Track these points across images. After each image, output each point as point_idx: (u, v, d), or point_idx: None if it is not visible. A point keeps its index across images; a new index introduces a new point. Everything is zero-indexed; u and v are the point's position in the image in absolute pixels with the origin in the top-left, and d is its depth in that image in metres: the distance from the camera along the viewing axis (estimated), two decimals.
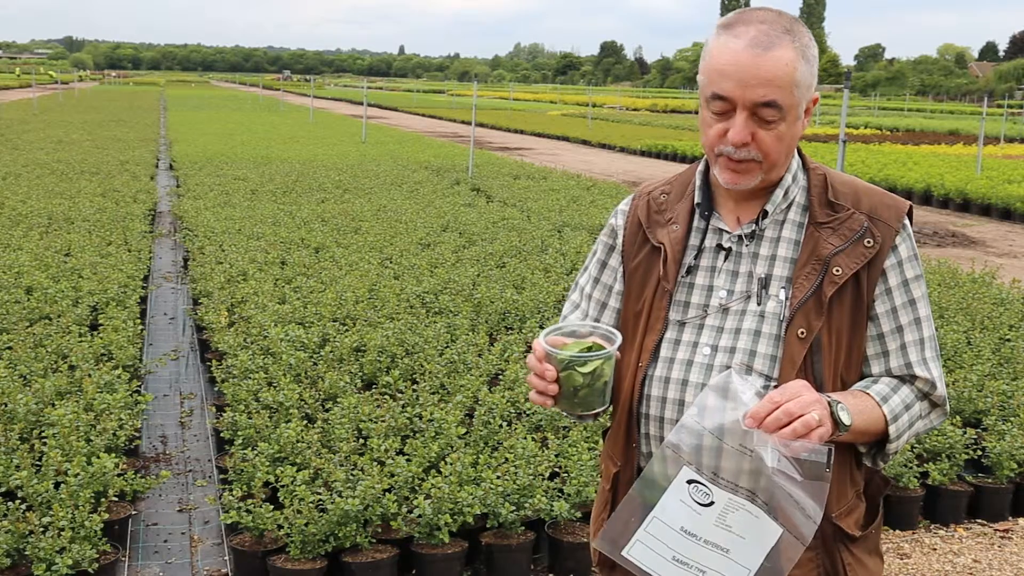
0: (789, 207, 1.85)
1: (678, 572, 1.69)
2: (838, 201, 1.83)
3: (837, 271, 1.78)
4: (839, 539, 1.82)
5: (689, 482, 1.68)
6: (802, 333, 1.76)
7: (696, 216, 1.89)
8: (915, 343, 1.83)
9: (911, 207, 1.87)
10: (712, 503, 1.66)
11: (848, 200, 1.84)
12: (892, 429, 1.78)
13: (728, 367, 1.78)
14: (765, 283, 1.81)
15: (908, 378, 1.83)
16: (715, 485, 1.66)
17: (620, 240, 1.98)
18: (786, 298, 1.79)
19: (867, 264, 1.79)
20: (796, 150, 1.88)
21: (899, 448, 1.82)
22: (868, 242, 1.80)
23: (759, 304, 1.81)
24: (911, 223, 1.87)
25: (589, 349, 1.76)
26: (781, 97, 1.71)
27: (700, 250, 1.88)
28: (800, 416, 1.60)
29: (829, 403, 1.68)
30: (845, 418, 1.68)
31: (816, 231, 1.81)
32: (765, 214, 1.83)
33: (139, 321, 6.64)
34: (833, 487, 1.80)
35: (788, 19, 1.75)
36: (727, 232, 1.86)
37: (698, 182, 1.90)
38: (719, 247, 1.86)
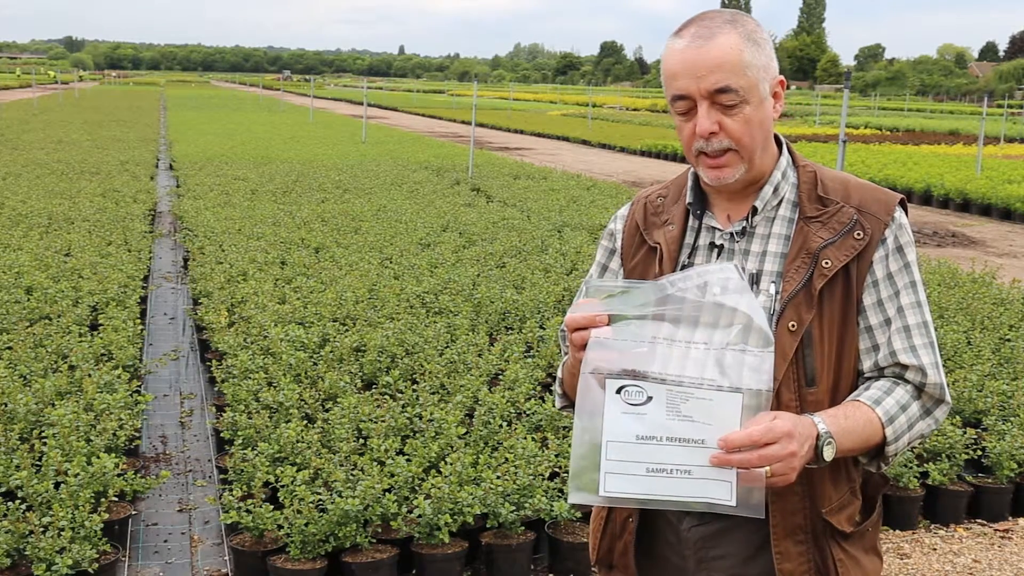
0: (779, 204, 1.87)
1: (663, 483, 1.60)
2: (828, 196, 1.85)
3: (826, 263, 1.79)
4: (829, 535, 1.82)
5: (619, 391, 1.61)
6: (792, 326, 1.77)
7: (690, 216, 1.92)
8: (900, 331, 1.82)
9: (903, 199, 1.88)
10: (650, 398, 1.60)
11: (838, 195, 1.85)
12: (889, 431, 1.77)
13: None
14: (756, 278, 1.83)
15: (898, 369, 1.81)
16: (644, 380, 1.60)
17: (619, 243, 2.02)
18: (776, 292, 1.80)
19: (856, 256, 1.81)
20: (787, 148, 1.90)
21: (900, 450, 1.81)
22: (858, 234, 1.81)
23: None
24: (906, 214, 1.87)
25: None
26: (734, 80, 1.73)
27: (694, 249, 1.90)
28: (765, 462, 1.58)
29: (819, 435, 1.66)
30: (827, 454, 1.67)
31: (806, 225, 1.83)
32: (755, 211, 1.86)
33: (139, 321, 6.64)
34: (825, 484, 1.81)
35: (731, 13, 1.80)
36: (719, 230, 1.88)
37: (690, 183, 1.93)
38: (712, 245, 1.89)
